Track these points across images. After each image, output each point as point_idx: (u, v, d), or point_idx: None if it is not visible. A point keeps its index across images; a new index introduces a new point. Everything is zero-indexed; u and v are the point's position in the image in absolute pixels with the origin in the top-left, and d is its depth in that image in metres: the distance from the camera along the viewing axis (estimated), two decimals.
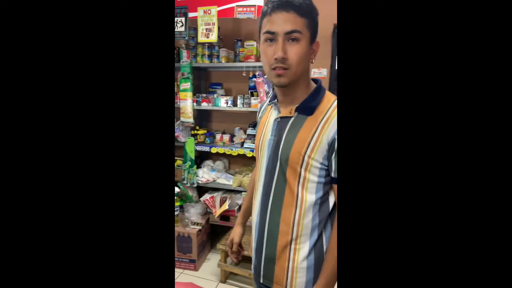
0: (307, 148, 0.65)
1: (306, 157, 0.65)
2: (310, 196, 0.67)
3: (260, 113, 0.84)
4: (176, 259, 2.01)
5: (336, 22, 1.90)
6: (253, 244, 0.79)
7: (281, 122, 0.72)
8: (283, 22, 0.61)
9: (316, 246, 0.70)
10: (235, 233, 0.95)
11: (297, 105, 0.69)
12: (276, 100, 0.75)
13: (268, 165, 0.73)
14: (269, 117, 0.77)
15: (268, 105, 0.80)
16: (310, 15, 0.63)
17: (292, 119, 0.70)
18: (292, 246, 0.70)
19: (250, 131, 2.09)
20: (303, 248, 0.69)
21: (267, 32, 0.63)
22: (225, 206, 2.02)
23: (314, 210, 0.68)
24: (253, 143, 2.04)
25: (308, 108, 0.68)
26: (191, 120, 2.08)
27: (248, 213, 0.93)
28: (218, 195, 2.11)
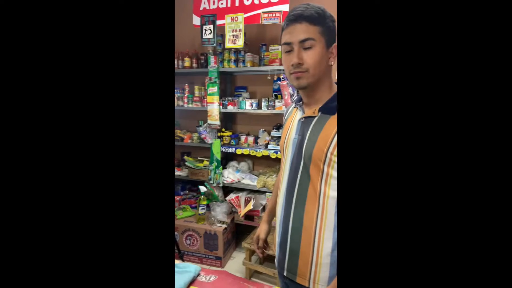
0: (330, 145, 0.68)
1: (328, 154, 0.69)
2: (332, 192, 0.70)
3: (286, 115, 0.89)
4: (202, 255, 2.09)
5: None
6: (277, 239, 0.83)
7: (305, 121, 0.76)
8: (297, 32, 0.69)
9: None
10: (261, 229, 0.99)
11: (320, 106, 0.73)
12: (301, 102, 0.80)
13: (292, 162, 0.77)
14: (294, 118, 0.81)
15: (294, 107, 0.85)
16: (323, 22, 0.69)
17: (316, 118, 0.74)
18: (316, 241, 0.73)
19: (274, 133, 2.13)
20: (327, 244, 0.72)
21: (285, 43, 0.72)
22: (250, 206, 2.07)
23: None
24: (277, 145, 2.08)
25: (330, 108, 0.72)
26: (218, 122, 2.16)
27: (273, 213, 0.97)
28: (242, 195, 2.17)
